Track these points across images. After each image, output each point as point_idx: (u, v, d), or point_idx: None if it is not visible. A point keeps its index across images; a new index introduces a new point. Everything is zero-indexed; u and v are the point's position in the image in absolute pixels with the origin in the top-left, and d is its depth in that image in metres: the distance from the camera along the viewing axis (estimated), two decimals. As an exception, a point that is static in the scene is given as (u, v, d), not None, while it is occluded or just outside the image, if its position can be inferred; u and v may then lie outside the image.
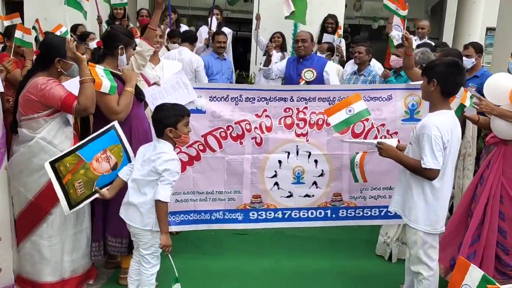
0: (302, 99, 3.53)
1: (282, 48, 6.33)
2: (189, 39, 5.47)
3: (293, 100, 3.52)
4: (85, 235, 3.07)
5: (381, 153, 2.80)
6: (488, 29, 12.45)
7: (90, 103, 2.77)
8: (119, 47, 3.05)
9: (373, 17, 12.63)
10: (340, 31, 6.22)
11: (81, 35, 5.21)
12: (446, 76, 2.60)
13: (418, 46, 5.08)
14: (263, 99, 3.50)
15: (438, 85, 2.62)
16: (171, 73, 3.78)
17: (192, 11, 12.13)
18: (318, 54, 5.64)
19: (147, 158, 2.65)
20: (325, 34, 6.07)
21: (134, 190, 2.68)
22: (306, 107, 3.54)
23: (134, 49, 3.25)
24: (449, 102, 2.75)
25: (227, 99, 3.47)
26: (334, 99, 3.51)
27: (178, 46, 5.35)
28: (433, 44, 5.48)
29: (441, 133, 2.54)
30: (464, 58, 4.43)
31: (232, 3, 6.24)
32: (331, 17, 6.25)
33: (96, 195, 2.80)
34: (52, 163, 2.69)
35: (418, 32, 6.27)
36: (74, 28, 5.79)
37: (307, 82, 4.32)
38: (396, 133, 3.58)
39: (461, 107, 3.14)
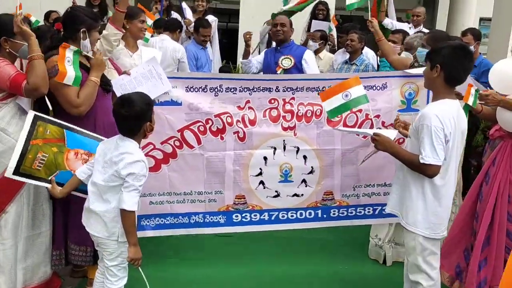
0: (289, 89, 3.21)
1: None
2: (170, 27, 5.13)
3: (278, 90, 3.21)
4: (43, 240, 2.74)
5: (377, 145, 2.51)
6: (481, 19, 12.25)
7: (41, 82, 2.48)
8: (81, 30, 2.70)
9: (364, 8, 12.31)
10: (335, 19, 5.89)
11: (55, 22, 4.84)
12: (451, 61, 2.30)
13: (394, 32, 4.88)
14: (245, 90, 3.18)
15: (442, 71, 2.31)
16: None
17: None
18: (311, 42, 5.36)
19: (109, 159, 2.32)
20: (315, 21, 5.73)
21: (95, 196, 2.35)
22: (293, 98, 3.23)
23: (101, 32, 2.92)
24: (454, 90, 2.45)
25: (205, 90, 3.15)
26: (324, 89, 3.20)
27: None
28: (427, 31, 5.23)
29: (443, 124, 2.25)
30: None
31: None
32: (322, 3, 5.93)
33: (47, 186, 2.50)
34: (35, 118, 2.48)
35: (413, 19, 5.98)
36: (47, 15, 5.42)
37: (285, 70, 4.06)
38: (392, 125, 3.26)
39: (466, 108, 2.83)
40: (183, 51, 4.84)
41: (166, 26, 5.12)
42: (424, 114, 2.30)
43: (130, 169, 2.23)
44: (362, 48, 4.81)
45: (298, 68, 4.11)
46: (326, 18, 5.85)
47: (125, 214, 2.24)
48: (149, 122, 2.34)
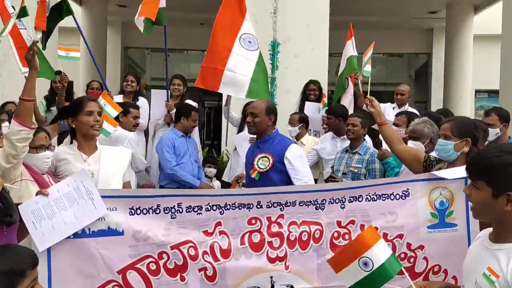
0: (276, 204, 2.35)
1: None
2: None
3: (261, 207, 2.33)
4: None
5: None
6: (477, 91, 11.93)
7: None
8: None
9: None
10: (325, 99, 5.19)
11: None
12: None
13: (398, 115, 4.16)
14: (215, 208, 2.30)
15: None
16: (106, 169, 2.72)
17: (153, 81, 11.43)
18: (289, 127, 4.61)
19: None
20: (307, 103, 5.04)
21: None
22: (281, 216, 2.36)
23: None
24: None
25: (157, 211, 2.26)
26: (324, 203, 2.34)
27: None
28: (415, 112, 4.52)
29: None
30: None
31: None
32: (314, 83, 5.26)
33: None
34: None
35: (397, 98, 5.18)
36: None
37: (261, 173, 3.11)
38: (421, 247, 2.39)
39: None
40: (133, 140, 4.10)
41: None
42: None
43: None
44: (365, 134, 4.02)
45: (278, 169, 3.08)
46: (319, 99, 5.15)
47: None
48: None
